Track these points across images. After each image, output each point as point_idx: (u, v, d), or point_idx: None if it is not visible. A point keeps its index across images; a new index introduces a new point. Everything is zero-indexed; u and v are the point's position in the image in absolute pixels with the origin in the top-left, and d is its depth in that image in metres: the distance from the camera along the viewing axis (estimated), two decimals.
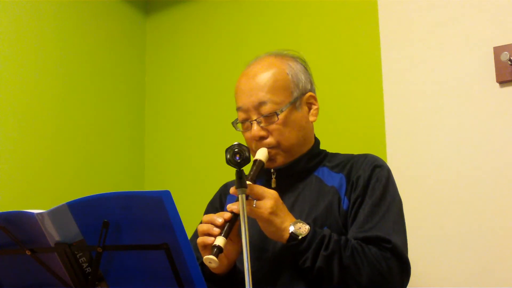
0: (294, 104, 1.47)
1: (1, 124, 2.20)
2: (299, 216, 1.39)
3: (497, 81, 1.96)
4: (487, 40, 1.99)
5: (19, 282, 1.26)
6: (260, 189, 1.29)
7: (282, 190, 1.41)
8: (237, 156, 1.15)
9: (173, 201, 1.05)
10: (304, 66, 1.54)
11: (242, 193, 1.11)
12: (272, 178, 1.49)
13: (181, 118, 2.77)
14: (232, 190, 1.28)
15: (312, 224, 1.32)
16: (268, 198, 1.28)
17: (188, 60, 2.79)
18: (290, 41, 2.41)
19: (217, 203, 1.62)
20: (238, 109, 1.50)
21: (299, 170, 1.50)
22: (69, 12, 2.53)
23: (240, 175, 1.13)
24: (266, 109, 1.44)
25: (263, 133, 1.45)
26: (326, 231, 1.31)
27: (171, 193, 1.05)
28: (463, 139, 2.00)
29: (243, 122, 1.50)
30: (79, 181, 2.47)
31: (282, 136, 1.45)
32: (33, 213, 1.12)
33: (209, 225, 1.28)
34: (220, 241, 1.22)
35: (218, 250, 1.21)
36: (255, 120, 1.45)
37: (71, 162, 2.46)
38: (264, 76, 1.47)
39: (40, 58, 2.39)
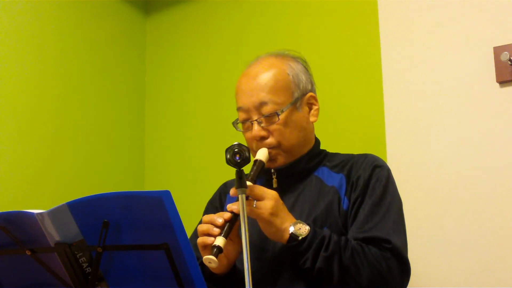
0: (294, 105, 1.47)
1: (1, 124, 2.20)
2: (299, 216, 1.39)
3: (497, 81, 1.96)
4: (487, 40, 1.99)
5: (19, 282, 1.26)
6: (261, 189, 1.29)
7: (282, 190, 1.41)
8: (237, 156, 1.15)
9: (173, 201, 1.05)
10: (304, 67, 1.55)
11: (242, 193, 1.11)
12: (273, 178, 1.49)
13: (181, 118, 2.77)
14: (232, 191, 1.28)
15: (312, 224, 1.32)
16: (268, 199, 1.28)
17: (188, 60, 2.79)
18: (290, 41, 2.41)
19: (217, 202, 1.62)
20: (239, 109, 1.50)
21: (299, 170, 1.50)
22: (69, 12, 2.53)
23: (240, 175, 1.13)
24: (267, 109, 1.44)
25: (263, 133, 1.45)
26: (326, 231, 1.31)
27: (171, 193, 1.05)
28: (463, 139, 2.00)
29: (243, 122, 1.50)
30: (79, 181, 2.47)
31: (283, 136, 1.45)
32: (33, 213, 1.12)
33: (209, 225, 1.29)
34: (220, 241, 1.23)
35: (218, 250, 1.21)
36: (256, 120, 1.45)
37: (71, 162, 2.46)
38: (265, 76, 1.47)
39: (40, 58, 2.38)
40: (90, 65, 2.61)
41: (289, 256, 1.34)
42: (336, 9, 2.37)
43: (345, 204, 1.42)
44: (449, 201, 1.99)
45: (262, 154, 1.42)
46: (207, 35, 2.74)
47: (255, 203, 1.27)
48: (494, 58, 1.96)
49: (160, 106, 2.84)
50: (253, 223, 1.33)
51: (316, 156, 1.53)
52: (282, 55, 1.54)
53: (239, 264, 1.40)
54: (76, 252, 1.13)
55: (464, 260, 1.93)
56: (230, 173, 1.22)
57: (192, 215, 1.72)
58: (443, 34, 2.09)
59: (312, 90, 1.54)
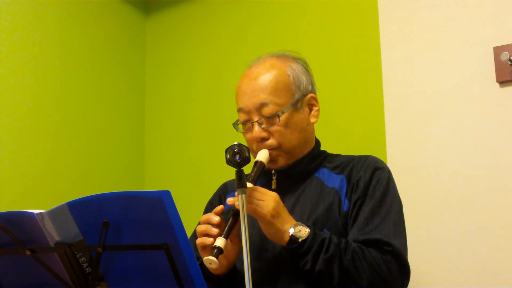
0: (295, 106, 1.47)
1: (1, 124, 2.20)
2: (300, 217, 1.39)
3: (497, 81, 1.96)
4: (487, 40, 1.99)
5: (19, 282, 1.26)
6: (261, 191, 1.29)
7: (282, 191, 1.41)
8: (237, 156, 1.15)
9: (173, 201, 1.05)
10: (305, 67, 1.54)
11: (242, 193, 1.11)
12: (272, 179, 1.49)
13: (181, 118, 2.77)
14: (229, 200, 1.30)
15: (313, 227, 1.32)
16: (269, 200, 1.28)
17: (188, 60, 2.79)
18: (290, 41, 2.41)
19: (217, 202, 1.62)
20: (239, 110, 1.50)
21: (299, 171, 1.49)
22: (69, 12, 2.53)
23: (240, 175, 1.13)
24: (267, 110, 1.44)
25: (264, 134, 1.45)
26: (327, 233, 1.31)
27: (171, 193, 1.05)
28: (463, 139, 2.00)
29: (244, 123, 1.50)
30: (79, 181, 2.47)
31: (284, 137, 1.45)
32: (33, 213, 1.12)
33: (207, 225, 1.29)
34: (220, 242, 1.23)
35: (218, 251, 1.21)
36: (257, 121, 1.45)
37: (71, 162, 2.46)
38: (265, 77, 1.47)
39: (40, 58, 2.38)
40: (90, 65, 2.61)
41: (289, 256, 1.34)
42: (336, 9, 2.37)
43: (345, 206, 1.41)
44: (449, 201, 1.99)
45: (262, 155, 1.42)
46: (207, 35, 2.74)
47: (257, 202, 1.27)
48: (494, 58, 1.96)
49: (160, 106, 2.84)
50: (253, 223, 1.33)
51: (316, 157, 1.53)
52: (282, 56, 1.54)
53: (239, 264, 1.40)
54: (76, 252, 1.13)
55: (464, 260, 1.93)
56: (230, 173, 1.22)
57: (192, 215, 1.73)
58: (443, 34, 2.09)
59: (313, 91, 1.54)
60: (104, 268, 1.15)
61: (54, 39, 2.45)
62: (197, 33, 2.77)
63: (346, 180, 1.45)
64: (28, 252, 1.15)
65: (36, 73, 2.36)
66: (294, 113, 1.47)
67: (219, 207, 1.32)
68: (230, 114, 1.73)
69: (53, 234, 1.12)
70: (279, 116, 1.44)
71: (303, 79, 1.51)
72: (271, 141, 1.45)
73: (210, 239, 1.26)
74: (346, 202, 1.42)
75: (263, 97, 1.45)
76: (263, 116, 1.45)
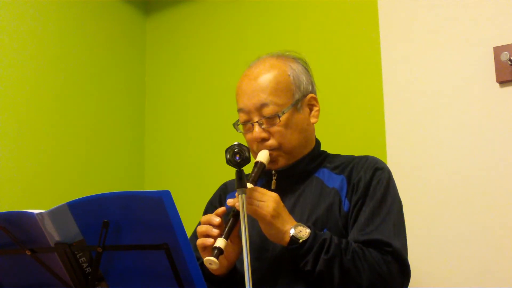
0: (295, 106, 1.47)
1: (1, 124, 2.20)
2: (300, 217, 1.39)
3: (497, 81, 1.96)
4: (487, 40, 1.99)
5: (19, 282, 1.26)
6: (261, 191, 1.29)
7: (282, 192, 1.41)
8: (237, 156, 1.15)
9: (173, 201, 1.05)
10: (305, 68, 1.54)
11: (242, 193, 1.11)
12: (272, 180, 1.49)
13: (181, 118, 2.77)
14: (229, 201, 1.29)
15: (313, 227, 1.32)
16: (269, 201, 1.28)
17: (188, 60, 2.79)
18: (290, 41, 2.41)
19: (217, 202, 1.62)
20: (239, 110, 1.50)
21: (300, 171, 1.49)
22: (69, 12, 2.53)
23: (240, 175, 1.13)
24: (268, 111, 1.44)
25: (264, 135, 1.45)
26: (327, 234, 1.31)
27: (171, 193, 1.05)
28: (463, 139, 2.00)
29: (244, 123, 1.50)
30: (79, 181, 2.47)
31: (284, 138, 1.45)
32: (33, 213, 1.12)
33: (208, 226, 1.29)
34: (220, 242, 1.23)
35: (219, 252, 1.21)
36: (257, 122, 1.45)
37: (71, 162, 2.46)
38: (266, 77, 1.47)
39: (40, 58, 2.38)
40: (90, 65, 2.61)
41: (289, 256, 1.34)
42: (336, 9, 2.37)
43: (345, 206, 1.41)
44: (449, 201, 1.99)
45: (263, 156, 1.42)
46: (207, 35, 2.74)
47: (258, 203, 1.27)
48: (494, 58, 1.96)
49: (160, 106, 2.84)
50: (253, 223, 1.33)
51: (316, 158, 1.53)
52: (282, 56, 1.54)
53: (239, 265, 1.40)
54: (76, 252, 1.13)
55: (464, 260, 1.93)
56: (230, 173, 1.22)
57: (192, 215, 1.72)
58: (443, 34, 2.09)
59: (313, 91, 1.54)
60: (104, 268, 1.14)
61: (54, 39, 2.45)
62: (197, 33, 2.77)
63: (346, 180, 1.45)
64: (28, 252, 1.15)
65: (36, 73, 2.36)
66: (294, 114, 1.47)
67: (221, 209, 1.32)
68: (230, 114, 1.73)
69: (53, 234, 1.12)
70: (279, 117, 1.44)
71: (303, 79, 1.51)
72: (271, 142, 1.45)
73: (211, 240, 1.26)
74: (347, 202, 1.41)
75: (263, 97, 1.44)
76: (264, 117, 1.45)
